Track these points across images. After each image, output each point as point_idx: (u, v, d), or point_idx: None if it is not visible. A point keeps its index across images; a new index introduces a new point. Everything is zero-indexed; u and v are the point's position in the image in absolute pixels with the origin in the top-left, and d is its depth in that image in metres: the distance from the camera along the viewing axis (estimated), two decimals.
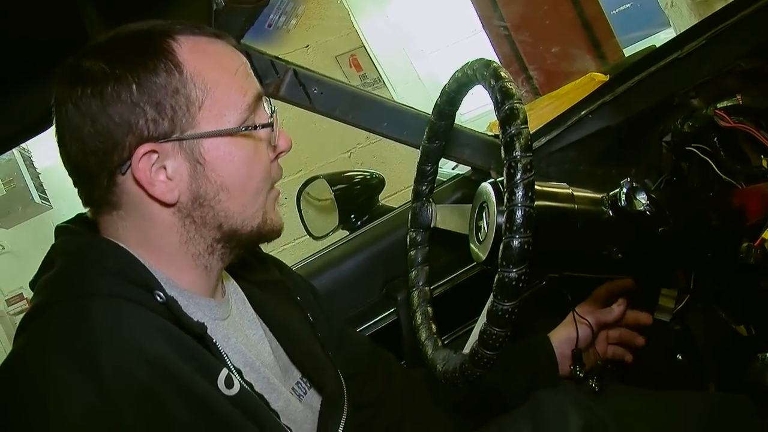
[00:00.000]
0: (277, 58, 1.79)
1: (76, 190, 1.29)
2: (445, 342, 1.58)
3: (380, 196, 2.60)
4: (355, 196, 2.51)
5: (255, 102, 1.29)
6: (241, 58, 1.32)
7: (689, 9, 4.23)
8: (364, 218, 2.44)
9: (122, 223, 1.27)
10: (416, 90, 6.46)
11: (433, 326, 1.60)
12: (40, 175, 5.59)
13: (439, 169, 1.70)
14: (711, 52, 1.73)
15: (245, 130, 1.27)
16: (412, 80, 6.65)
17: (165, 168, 1.22)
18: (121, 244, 1.26)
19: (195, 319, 1.21)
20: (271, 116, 1.33)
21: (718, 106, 1.64)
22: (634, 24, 5.09)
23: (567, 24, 4.86)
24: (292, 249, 4.85)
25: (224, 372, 1.19)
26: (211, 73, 1.24)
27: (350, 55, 6.26)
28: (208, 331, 1.24)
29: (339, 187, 2.47)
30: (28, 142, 5.57)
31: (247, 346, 1.36)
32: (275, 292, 1.56)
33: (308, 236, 2.53)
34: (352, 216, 2.47)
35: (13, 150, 5.31)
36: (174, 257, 1.28)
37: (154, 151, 1.20)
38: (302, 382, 1.48)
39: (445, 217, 1.70)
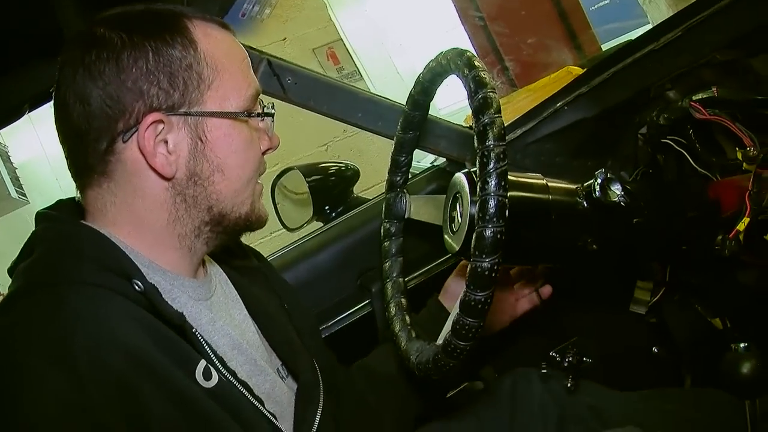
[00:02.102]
0: (251, 48, 1.77)
1: (67, 161, 1.29)
2: None
3: (356, 189, 2.59)
4: (330, 188, 2.50)
5: (255, 95, 1.33)
6: (244, 51, 1.35)
7: (667, 5, 4.24)
8: (339, 210, 2.44)
9: (110, 197, 1.26)
10: (395, 84, 6.45)
11: (407, 317, 1.59)
12: (17, 170, 5.55)
13: (416, 163, 1.69)
14: (687, 43, 1.73)
15: (249, 115, 1.30)
16: (391, 74, 6.65)
17: (166, 142, 1.23)
18: (103, 228, 1.25)
19: (175, 307, 1.20)
20: (272, 107, 1.37)
21: (694, 98, 1.64)
22: (613, 20, 5.10)
23: (543, 15, 4.86)
24: (268, 242, 4.83)
25: (202, 364, 1.18)
26: (221, 57, 1.27)
27: (328, 48, 6.24)
28: (192, 315, 1.24)
29: (314, 178, 2.47)
30: (4, 137, 5.53)
31: (233, 327, 1.36)
32: (253, 278, 1.56)
33: (283, 229, 2.51)
34: (327, 207, 2.46)
35: None
36: (159, 236, 1.28)
37: (161, 122, 1.21)
38: (281, 369, 1.47)
39: (419, 208, 1.69)
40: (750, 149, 1.51)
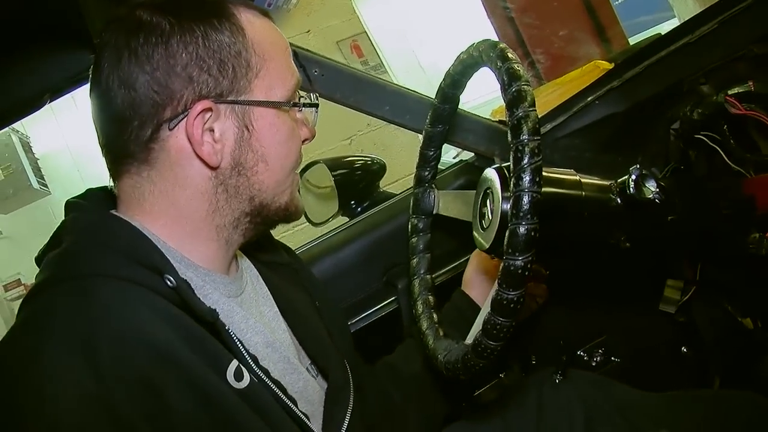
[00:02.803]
0: None
1: (103, 148, 1.26)
2: None
3: (381, 184, 2.56)
4: (356, 182, 2.47)
5: (297, 85, 1.30)
6: (286, 40, 1.32)
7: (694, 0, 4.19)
8: (365, 204, 2.41)
9: (149, 186, 1.23)
10: (418, 78, 6.42)
11: (435, 315, 1.56)
12: (38, 161, 5.58)
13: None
14: (723, 36, 1.70)
15: (294, 105, 1.29)
16: (414, 68, 6.61)
17: (213, 130, 1.20)
18: (135, 219, 1.23)
19: (208, 304, 1.17)
20: (317, 98, 1.36)
21: (729, 92, 1.61)
22: (638, 14, 5.04)
23: (571, 8, 4.80)
24: (290, 236, 4.82)
25: (234, 364, 1.15)
26: (267, 45, 1.25)
27: (352, 41, 6.22)
28: (224, 312, 1.22)
29: (339, 172, 2.42)
30: (27, 128, 5.54)
31: (264, 325, 1.33)
32: (283, 274, 1.54)
33: (307, 223, 2.48)
34: (353, 202, 2.43)
35: (12, 135, 5.30)
36: (196, 227, 1.25)
37: (210, 110, 1.19)
38: (311, 368, 1.44)
39: (448, 203, 1.66)
40: None
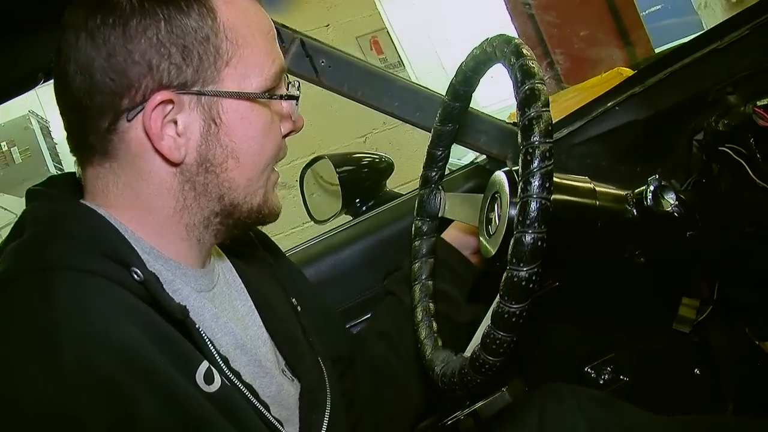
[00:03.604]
0: (283, 25, 1.68)
1: (67, 135, 1.18)
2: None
3: (393, 184, 2.50)
4: (362, 180, 2.39)
5: (279, 73, 1.20)
6: (271, 22, 1.22)
7: (723, 10, 4.14)
8: (370, 203, 2.34)
9: (113, 178, 1.15)
10: (439, 78, 6.34)
11: (434, 324, 1.49)
12: (57, 146, 5.58)
13: (455, 161, 1.60)
14: (754, 43, 1.61)
15: (272, 97, 1.18)
16: (436, 68, 6.54)
17: (176, 122, 1.11)
18: (102, 209, 1.14)
19: (177, 300, 1.09)
20: (298, 88, 1.25)
21: (758, 103, 1.51)
22: (666, 25, 4.98)
23: (594, 8, 4.73)
24: (300, 232, 4.79)
25: (204, 365, 1.06)
26: (243, 28, 1.15)
27: (371, 37, 6.15)
28: (195, 309, 1.14)
29: (345, 169, 2.36)
30: (46, 112, 5.56)
31: (236, 322, 1.25)
32: (258, 267, 1.45)
33: (311, 221, 2.43)
34: (357, 200, 2.36)
35: (32, 119, 5.31)
36: (165, 225, 1.17)
37: (171, 101, 1.09)
38: (285, 369, 1.36)
39: (455, 206, 1.59)
40: None
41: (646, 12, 5.17)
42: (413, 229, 1.63)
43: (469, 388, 1.20)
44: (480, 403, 1.84)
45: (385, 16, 6.34)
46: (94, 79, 1.08)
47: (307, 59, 1.72)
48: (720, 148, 1.58)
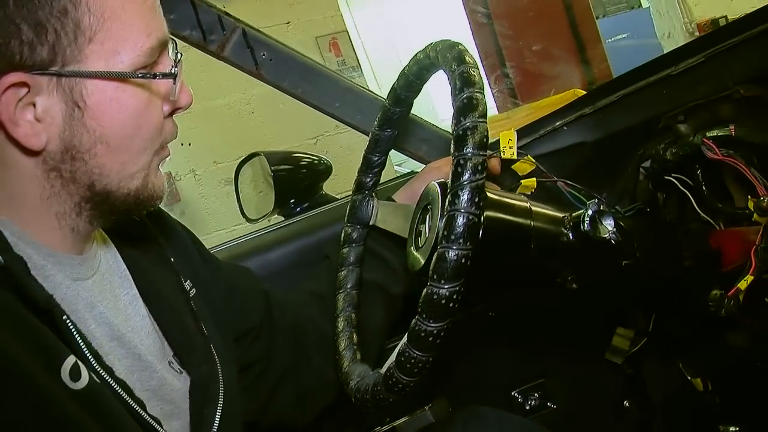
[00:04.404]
0: (226, 13, 1.61)
1: None
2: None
3: (338, 191, 2.48)
4: (298, 180, 2.36)
5: (158, 47, 1.09)
6: None
7: (686, 40, 4.13)
8: (304, 205, 2.31)
9: None
10: None
11: (355, 336, 1.44)
12: None
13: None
14: (709, 72, 1.57)
15: (141, 76, 1.06)
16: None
17: (34, 106, 1.01)
18: None
19: (47, 288, 1.00)
20: (176, 65, 1.12)
21: (708, 134, 1.50)
22: (629, 55, 5.00)
23: (553, 18, 4.70)
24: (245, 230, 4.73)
25: (70, 360, 0.97)
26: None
27: (331, 38, 6.09)
28: (66, 299, 1.05)
29: (282, 167, 2.32)
30: None
31: (115, 312, 1.16)
32: (146, 249, 1.34)
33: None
34: (291, 201, 2.32)
35: None
36: (33, 212, 1.07)
37: (25, 84, 0.99)
38: (173, 361, 1.27)
39: (387, 215, 1.54)
40: (763, 199, 1.36)
41: (611, 40, 5.19)
42: (342, 235, 1.58)
43: (381, 407, 1.15)
44: (401, 420, 1.78)
45: (350, 19, 6.30)
46: None
47: (248, 50, 1.66)
48: (667, 178, 1.59)
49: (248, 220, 2.40)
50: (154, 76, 1.08)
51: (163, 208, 1.42)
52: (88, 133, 1.04)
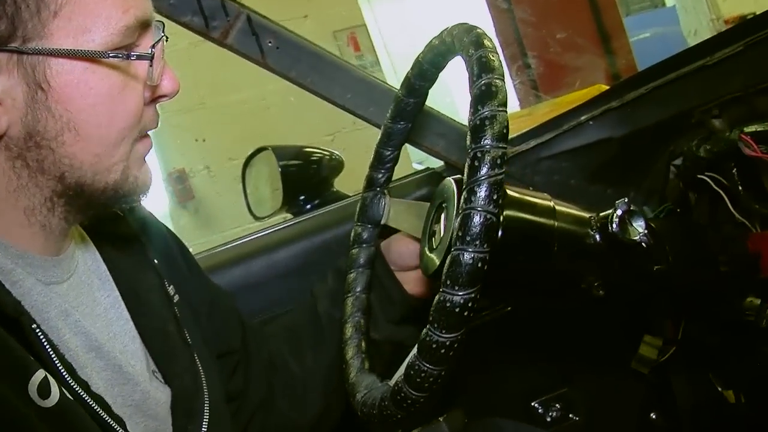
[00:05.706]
0: None
1: None
2: None
3: (352, 189, 2.36)
4: (308, 176, 2.30)
5: (136, 26, 0.99)
6: None
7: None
8: (315, 203, 2.24)
9: None
10: None
11: (364, 343, 1.36)
12: None
13: None
14: (746, 62, 1.50)
15: (114, 57, 0.96)
16: None
17: None
18: None
19: (15, 294, 0.93)
20: (154, 46, 1.02)
21: (746, 130, 1.42)
22: (654, 53, 4.94)
23: (575, 5, 4.63)
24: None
25: (39, 375, 0.89)
26: None
27: (350, 33, 6.05)
28: (37, 306, 0.97)
29: (291, 162, 2.27)
30: None
31: (93, 320, 1.09)
32: (128, 250, 1.26)
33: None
34: (301, 198, 2.26)
35: None
36: (0, 209, 0.99)
37: None
38: (157, 373, 1.20)
39: (399, 214, 1.46)
40: None
41: (634, 39, 5.13)
42: (352, 234, 1.50)
43: (387, 424, 1.08)
44: None
45: (369, 12, 6.25)
46: None
47: (254, 37, 1.58)
48: (699, 176, 1.51)
49: (255, 217, 2.35)
50: (127, 57, 0.98)
51: (144, 207, 1.34)
52: (53, 119, 0.95)
